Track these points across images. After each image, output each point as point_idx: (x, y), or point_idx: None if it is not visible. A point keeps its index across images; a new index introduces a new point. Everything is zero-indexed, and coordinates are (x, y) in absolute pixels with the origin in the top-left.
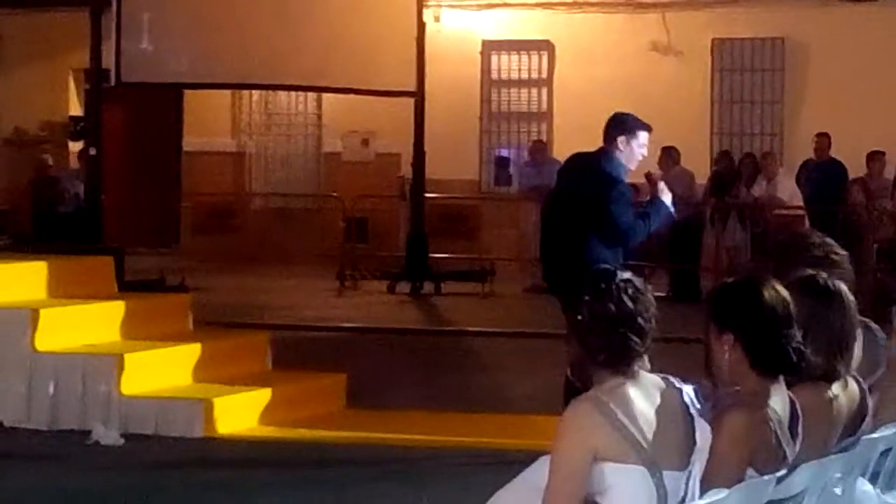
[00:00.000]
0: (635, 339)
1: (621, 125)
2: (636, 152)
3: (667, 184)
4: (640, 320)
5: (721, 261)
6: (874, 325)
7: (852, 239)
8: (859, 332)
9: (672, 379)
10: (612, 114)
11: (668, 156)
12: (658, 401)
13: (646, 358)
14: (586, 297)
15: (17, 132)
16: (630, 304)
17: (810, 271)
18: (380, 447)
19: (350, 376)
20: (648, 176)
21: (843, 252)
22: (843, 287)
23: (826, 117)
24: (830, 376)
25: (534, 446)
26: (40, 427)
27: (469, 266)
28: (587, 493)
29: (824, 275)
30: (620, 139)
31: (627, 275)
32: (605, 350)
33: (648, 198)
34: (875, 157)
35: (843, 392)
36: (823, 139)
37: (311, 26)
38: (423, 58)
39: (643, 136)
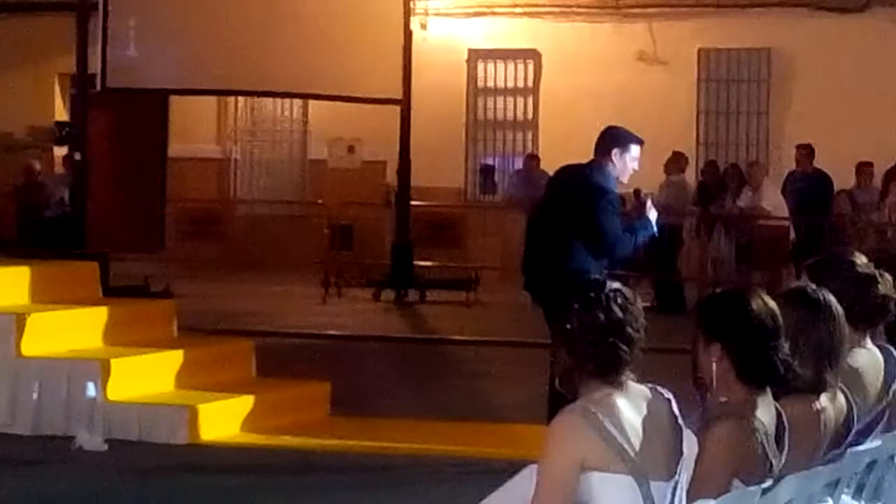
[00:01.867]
0: (624, 348)
1: (615, 139)
2: (629, 165)
3: (661, 189)
4: (629, 330)
5: (706, 271)
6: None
7: None
8: (880, 356)
9: (660, 389)
10: (605, 127)
11: (676, 161)
12: (645, 411)
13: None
14: (575, 306)
15: (3, 137)
16: (619, 313)
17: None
18: (364, 455)
19: (334, 384)
20: (637, 193)
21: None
22: (832, 298)
23: (812, 128)
24: (818, 388)
25: (519, 455)
26: (24, 432)
27: (454, 274)
28: (574, 502)
29: (813, 286)
30: (614, 152)
31: (616, 285)
32: (593, 359)
33: (636, 214)
34: (864, 169)
35: (831, 404)
36: (804, 150)
37: (297, 33)
38: (410, 66)
39: (636, 149)
